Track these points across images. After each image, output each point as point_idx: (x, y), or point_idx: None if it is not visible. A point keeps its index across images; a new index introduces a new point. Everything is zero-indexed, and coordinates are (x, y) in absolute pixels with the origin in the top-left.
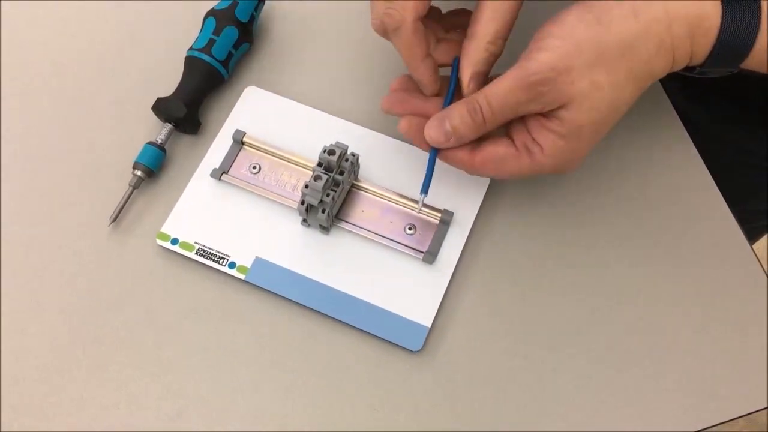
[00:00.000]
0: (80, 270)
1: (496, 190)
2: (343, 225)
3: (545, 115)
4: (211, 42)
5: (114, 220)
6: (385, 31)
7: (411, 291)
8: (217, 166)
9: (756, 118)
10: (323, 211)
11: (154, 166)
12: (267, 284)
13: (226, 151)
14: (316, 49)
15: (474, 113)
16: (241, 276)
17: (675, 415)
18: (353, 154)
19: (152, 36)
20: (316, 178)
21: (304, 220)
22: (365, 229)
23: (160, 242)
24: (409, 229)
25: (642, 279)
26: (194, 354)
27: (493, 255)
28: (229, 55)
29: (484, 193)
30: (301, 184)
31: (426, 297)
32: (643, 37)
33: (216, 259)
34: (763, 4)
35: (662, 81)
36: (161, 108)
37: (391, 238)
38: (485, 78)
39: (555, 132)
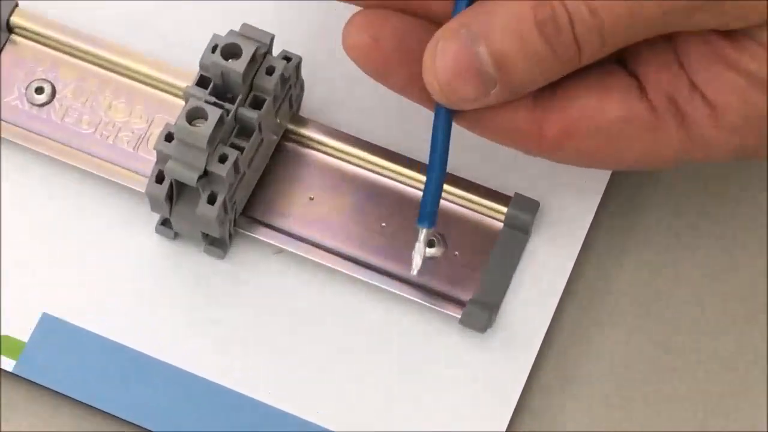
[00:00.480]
0: None
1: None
2: (263, 235)
3: (729, 35)
4: None
5: None
6: None
7: (438, 405)
8: None
9: None
10: (213, 199)
11: None
12: (68, 384)
13: None
14: None
15: (549, 26)
16: (9, 363)
17: None
18: (287, 58)
19: None
20: (194, 112)
21: (165, 223)
22: (320, 247)
23: None
24: (429, 243)
25: None
26: None
27: (634, 309)
28: None
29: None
30: (157, 131)
31: (477, 416)
32: None
33: None
34: None
35: None
36: None
37: (383, 268)
38: None
39: (747, 73)
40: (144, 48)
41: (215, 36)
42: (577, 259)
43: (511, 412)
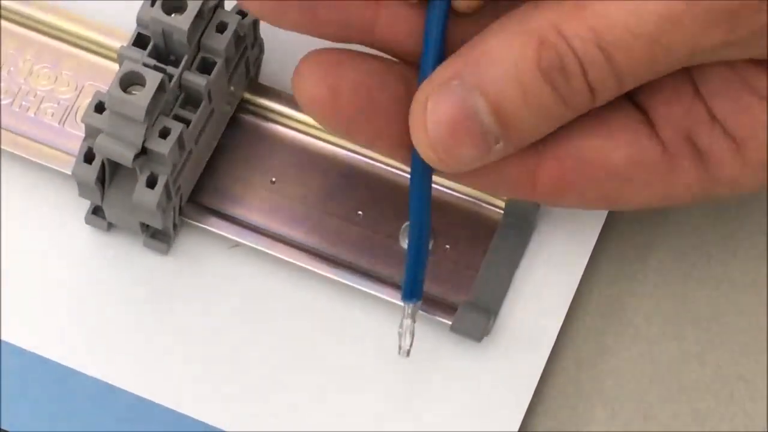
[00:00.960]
0: None
1: None
2: (215, 225)
3: (757, 62)
4: None
5: None
6: None
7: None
8: None
9: None
10: (154, 183)
11: None
12: None
13: None
14: None
15: (556, 73)
16: None
17: None
18: (242, 12)
19: None
20: (129, 78)
21: (96, 211)
22: (283, 240)
23: None
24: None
25: None
26: None
27: (660, 313)
28: None
29: None
30: (87, 102)
31: None
32: None
33: None
34: None
35: None
36: None
37: (359, 265)
38: None
39: None
40: (71, 3)
41: None
42: (591, 255)
43: None
